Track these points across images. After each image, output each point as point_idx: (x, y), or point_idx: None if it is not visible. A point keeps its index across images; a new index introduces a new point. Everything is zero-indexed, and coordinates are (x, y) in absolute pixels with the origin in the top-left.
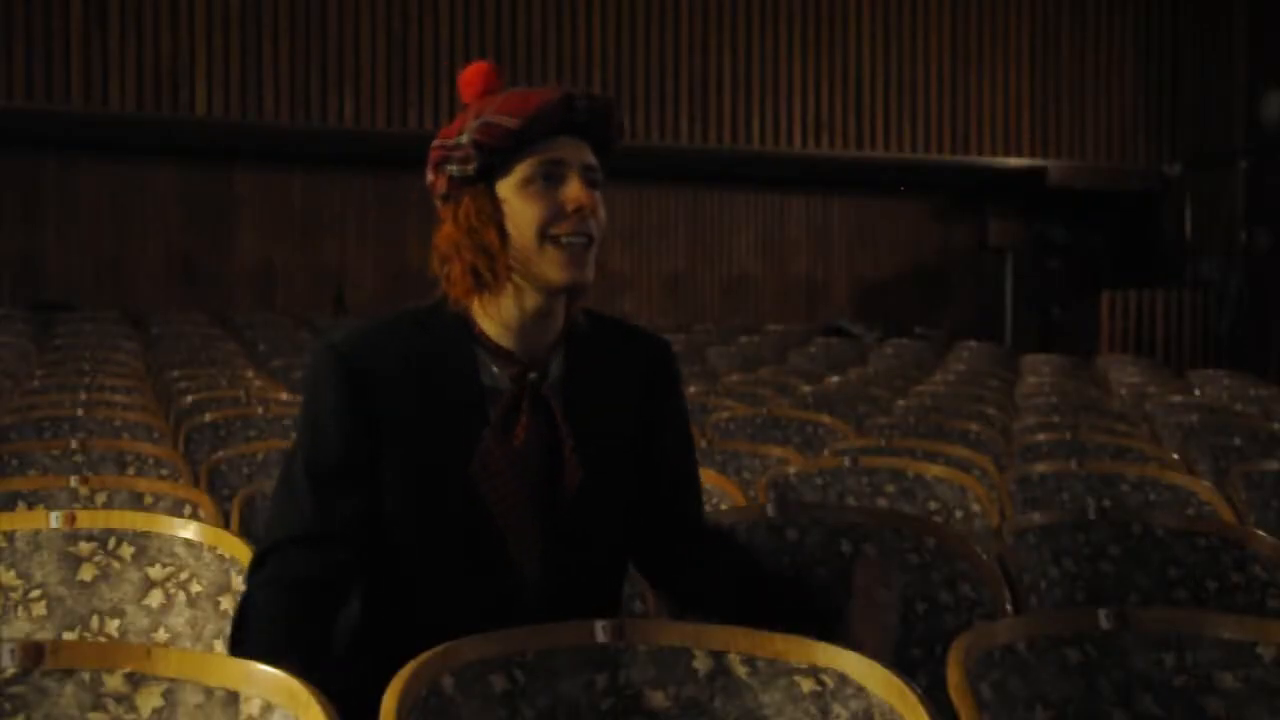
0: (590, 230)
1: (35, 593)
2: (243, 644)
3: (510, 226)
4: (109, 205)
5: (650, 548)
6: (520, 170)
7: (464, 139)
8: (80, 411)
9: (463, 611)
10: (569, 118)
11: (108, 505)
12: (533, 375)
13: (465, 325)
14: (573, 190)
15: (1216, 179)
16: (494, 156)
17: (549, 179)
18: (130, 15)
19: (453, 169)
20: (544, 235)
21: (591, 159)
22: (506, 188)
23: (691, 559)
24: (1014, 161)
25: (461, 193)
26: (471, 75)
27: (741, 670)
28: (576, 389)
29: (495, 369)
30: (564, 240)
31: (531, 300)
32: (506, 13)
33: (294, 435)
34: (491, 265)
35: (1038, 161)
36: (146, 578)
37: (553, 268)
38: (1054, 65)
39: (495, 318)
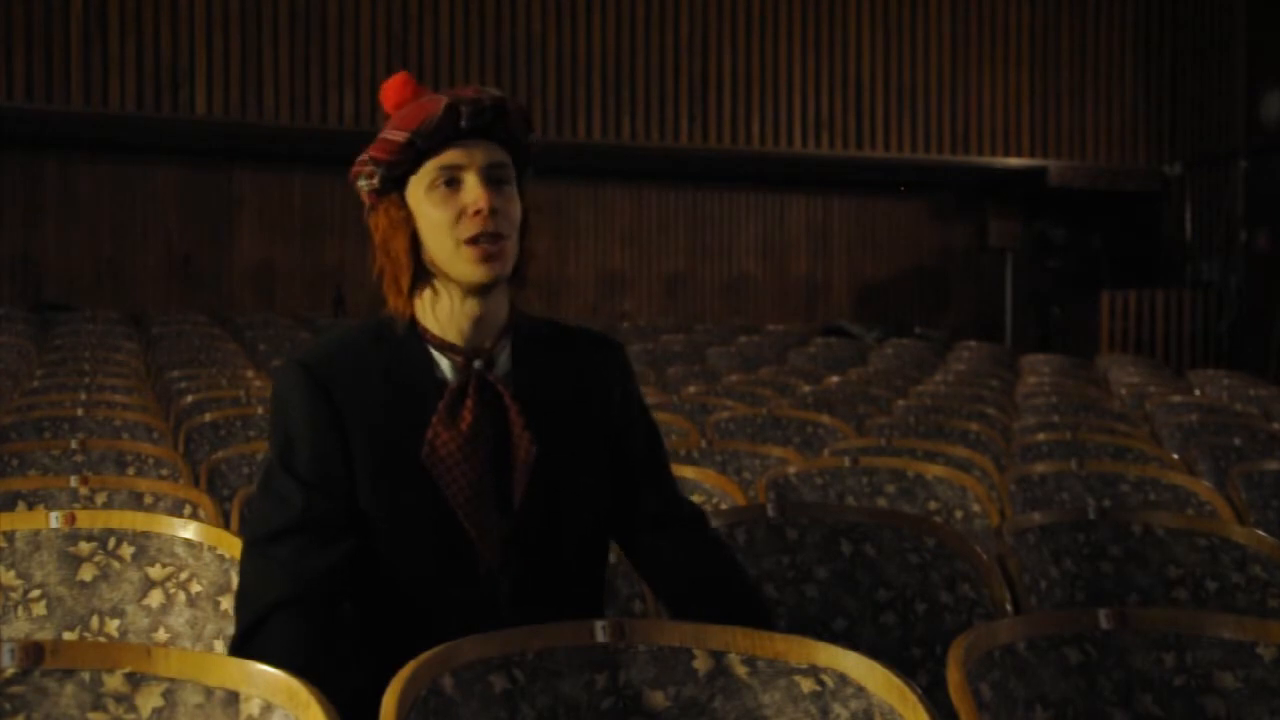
0: (495, 229)
1: (35, 593)
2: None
3: (423, 233)
4: (109, 205)
5: (629, 541)
6: (422, 178)
7: (368, 154)
8: (80, 411)
9: (436, 610)
10: (457, 124)
11: (108, 505)
12: (477, 363)
13: (414, 327)
14: (471, 193)
15: (1216, 179)
16: (394, 169)
17: (450, 183)
18: (130, 15)
19: (362, 184)
20: (456, 238)
21: (496, 157)
22: (414, 196)
23: (665, 551)
24: (1014, 161)
25: (378, 205)
26: (388, 88)
27: (741, 670)
28: (525, 380)
29: (446, 363)
30: (473, 243)
31: (460, 298)
32: (506, 13)
33: (267, 453)
34: (401, 273)
35: (1038, 161)
36: (146, 578)
37: (468, 267)
38: (1054, 65)
39: (435, 317)
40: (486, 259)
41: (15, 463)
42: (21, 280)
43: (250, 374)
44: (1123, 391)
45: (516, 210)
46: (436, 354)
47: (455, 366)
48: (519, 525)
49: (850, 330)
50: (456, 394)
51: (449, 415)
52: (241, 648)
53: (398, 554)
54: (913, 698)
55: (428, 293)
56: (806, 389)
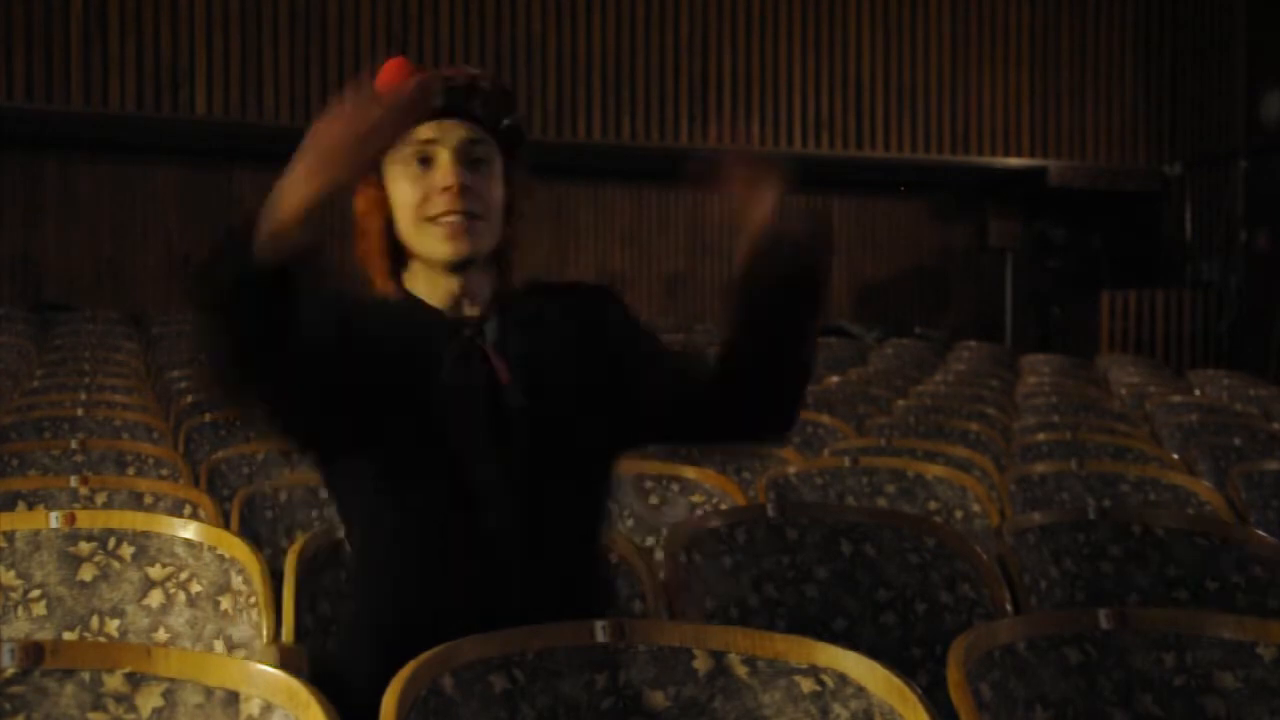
0: (464, 207)
1: (35, 593)
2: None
3: (395, 212)
4: (109, 205)
5: (699, 413)
6: (397, 156)
7: None
8: (80, 411)
9: (440, 561)
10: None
11: (108, 505)
12: (466, 331)
13: (406, 293)
14: (441, 171)
15: (1216, 179)
16: None
17: (423, 161)
18: (130, 15)
19: None
20: (420, 216)
21: (472, 135)
22: (390, 175)
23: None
24: (1014, 161)
25: (358, 187)
26: (383, 72)
27: (741, 670)
28: (514, 340)
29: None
30: (439, 220)
31: (439, 274)
32: (506, 13)
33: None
34: (378, 255)
35: (1038, 161)
36: (146, 578)
37: (434, 244)
38: (1054, 65)
39: (423, 290)
40: (452, 236)
41: (15, 463)
42: (21, 280)
43: None
44: (1123, 391)
45: (495, 192)
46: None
47: (445, 330)
48: (522, 482)
49: (850, 330)
50: (454, 351)
51: (454, 370)
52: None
53: (395, 493)
54: (913, 698)
55: (412, 268)
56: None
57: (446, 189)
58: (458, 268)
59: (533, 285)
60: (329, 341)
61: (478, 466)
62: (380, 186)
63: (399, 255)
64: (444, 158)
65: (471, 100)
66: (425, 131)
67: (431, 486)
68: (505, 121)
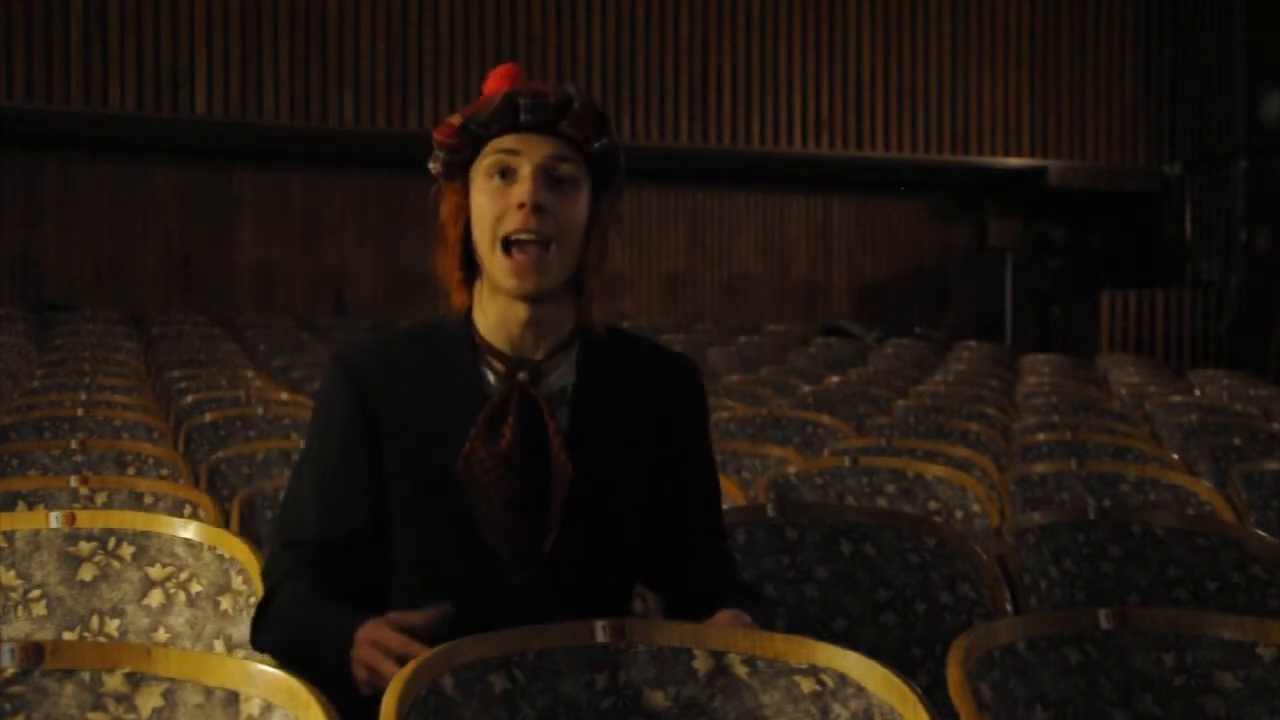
0: (539, 229)
1: (35, 593)
2: (265, 633)
3: (473, 222)
4: (109, 205)
5: (656, 574)
6: (481, 165)
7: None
8: (80, 411)
9: (460, 626)
10: (515, 116)
11: (108, 505)
12: (522, 375)
13: (466, 329)
14: (522, 187)
15: (1216, 179)
16: (454, 154)
17: (505, 174)
18: (130, 15)
19: (431, 167)
20: (495, 235)
21: (558, 153)
22: (474, 183)
23: (685, 595)
24: (1014, 161)
25: (443, 190)
26: (492, 74)
27: (741, 670)
28: (586, 398)
29: (491, 374)
30: (513, 240)
31: (507, 301)
32: (506, 13)
33: (302, 444)
34: (451, 263)
35: (1038, 161)
36: (146, 578)
37: (503, 274)
38: (1054, 65)
39: (486, 317)
40: (519, 272)
41: (15, 463)
42: (21, 280)
43: (250, 374)
44: (1123, 391)
45: (574, 214)
46: (482, 363)
47: (499, 377)
48: (554, 547)
49: (850, 330)
50: (498, 409)
51: (488, 432)
52: (257, 617)
53: (425, 566)
54: (913, 698)
55: (482, 288)
56: (806, 389)
57: (521, 206)
58: (526, 300)
59: (621, 337)
60: (372, 516)
61: (507, 529)
62: (464, 194)
63: (474, 266)
64: (524, 172)
65: (560, 117)
66: (509, 142)
67: (458, 550)
68: (597, 144)
